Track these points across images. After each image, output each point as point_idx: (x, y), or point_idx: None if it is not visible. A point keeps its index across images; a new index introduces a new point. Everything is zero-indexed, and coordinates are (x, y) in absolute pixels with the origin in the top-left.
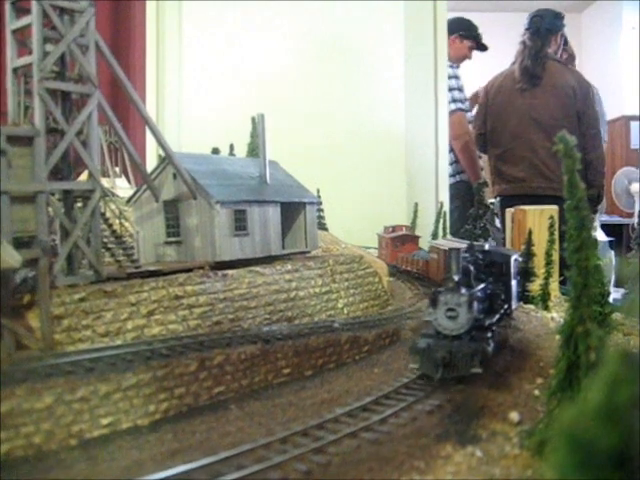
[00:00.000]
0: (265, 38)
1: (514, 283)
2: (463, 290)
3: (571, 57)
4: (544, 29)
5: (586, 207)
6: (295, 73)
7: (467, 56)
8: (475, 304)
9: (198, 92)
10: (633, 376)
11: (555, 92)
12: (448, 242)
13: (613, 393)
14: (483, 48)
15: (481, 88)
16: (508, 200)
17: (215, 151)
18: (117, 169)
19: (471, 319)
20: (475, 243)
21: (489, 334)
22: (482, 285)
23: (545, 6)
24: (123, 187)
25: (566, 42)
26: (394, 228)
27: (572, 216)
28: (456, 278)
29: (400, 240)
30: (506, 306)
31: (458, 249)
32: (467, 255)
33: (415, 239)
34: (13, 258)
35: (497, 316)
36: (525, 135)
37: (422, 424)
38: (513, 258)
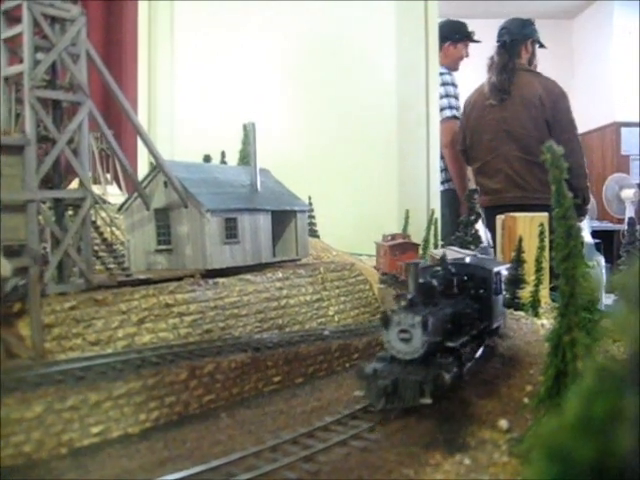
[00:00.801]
0: (255, 44)
1: (498, 299)
2: (418, 309)
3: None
4: (510, 40)
5: (573, 216)
6: (286, 79)
7: (464, 56)
8: (432, 325)
9: (190, 98)
10: (610, 389)
11: (523, 103)
12: (448, 252)
13: (590, 405)
14: (476, 42)
15: None
16: (489, 212)
17: (207, 158)
18: (108, 176)
19: (427, 342)
20: (466, 252)
21: (451, 359)
22: (448, 303)
23: (538, 11)
24: (114, 194)
25: (542, 46)
26: (393, 236)
27: (560, 225)
28: (410, 295)
29: (399, 248)
30: (484, 325)
31: (416, 264)
32: (437, 269)
33: (415, 247)
34: (3, 267)
35: (465, 338)
36: (499, 148)
37: (411, 432)
38: (495, 271)
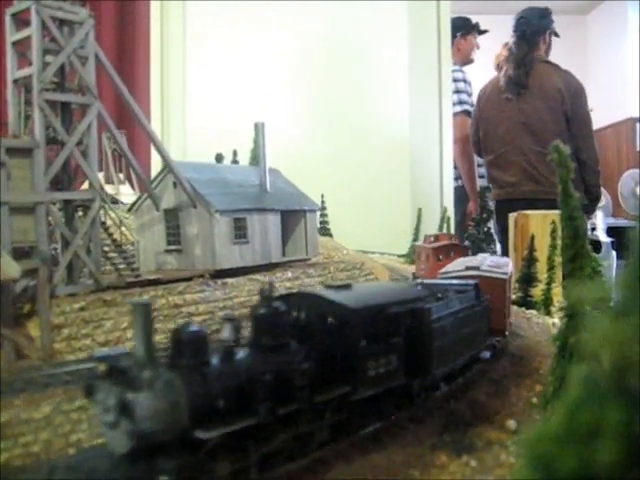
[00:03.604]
0: (268, 43)
1: (367, 349)
2: (132, 378)
3: None
4: (530, 32)
5: (580, 216)
6: (299, 78)
7: (475, 47)
8: (143, 406)
9: (203, 97)
10: (594, 399)
11: (542, 95)
12: (468, 261)
13: (574, 415)
14: (484, 32)
15: None
16: (502, 205)
17: (219, 157)
18: (122, 176)
19: (135, 433)
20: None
21: (180, 461)
22: (249, 361)
23: (551, 7)
24: (127, 194)
25: (556, 36)
26: (437, 237)
27: (566, 225)
28: (112, 355)
29: (445, 251)
30: (330, 396)
31: (146, 304)
32: (260, 304)
33: (463, 250)
34: (13, 269)
35: (251, 420)
36: (515, 140)
37: (418, 432)
38: (367, 310)
